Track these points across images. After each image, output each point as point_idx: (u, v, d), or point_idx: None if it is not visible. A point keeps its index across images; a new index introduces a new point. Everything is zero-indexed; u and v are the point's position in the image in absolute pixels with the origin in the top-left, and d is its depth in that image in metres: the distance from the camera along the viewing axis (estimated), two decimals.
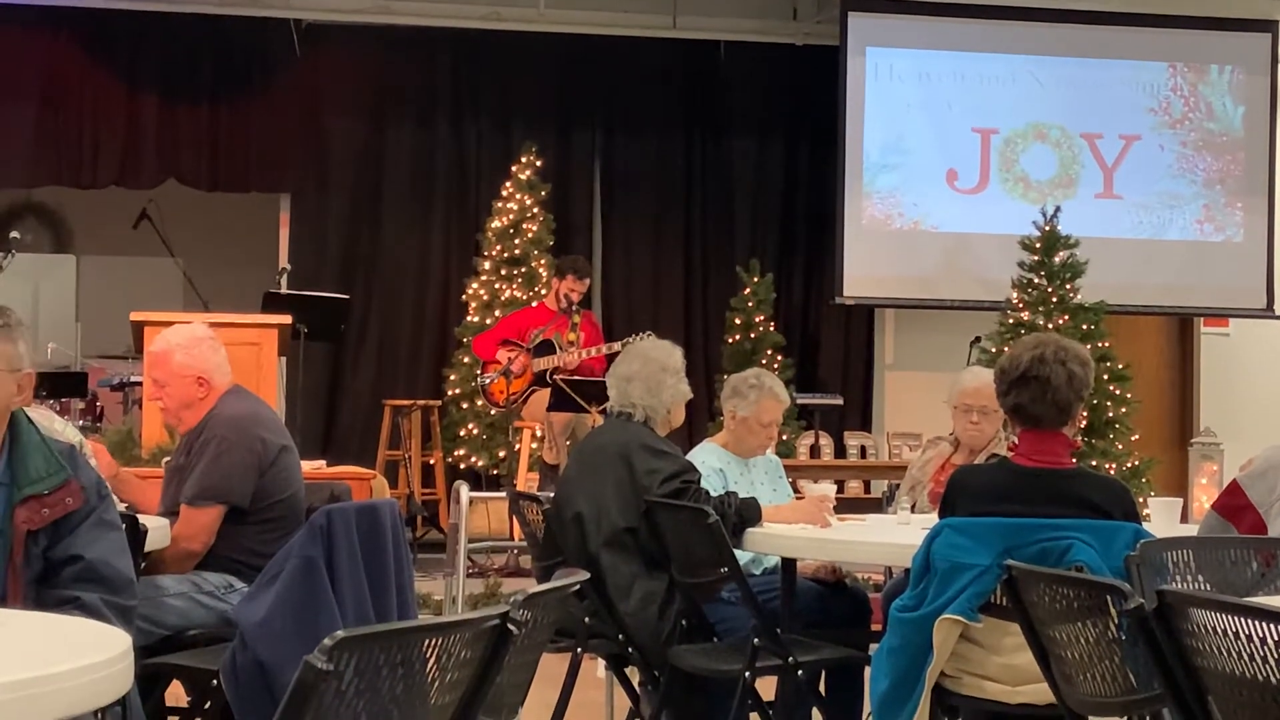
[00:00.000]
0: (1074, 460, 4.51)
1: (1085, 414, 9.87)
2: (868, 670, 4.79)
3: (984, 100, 12.63)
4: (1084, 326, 10.32)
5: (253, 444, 5.00)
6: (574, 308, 10.16)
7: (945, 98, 12.59)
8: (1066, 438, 4.43)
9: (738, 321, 12.12)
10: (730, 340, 12.11)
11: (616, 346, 9.10)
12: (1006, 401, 4.48)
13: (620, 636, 5.27)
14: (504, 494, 8.99)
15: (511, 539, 10.02)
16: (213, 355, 5.16)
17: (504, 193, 12.02)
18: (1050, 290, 10.45)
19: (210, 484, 4.94)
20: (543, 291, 11.03)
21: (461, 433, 11.65)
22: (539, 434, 10.28)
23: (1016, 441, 4.55)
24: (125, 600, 3.47)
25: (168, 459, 5.76)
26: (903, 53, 12.56)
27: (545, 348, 10.05)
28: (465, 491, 7.64)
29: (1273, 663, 2.51)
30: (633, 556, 5.29)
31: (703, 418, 11.28)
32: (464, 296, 11.99)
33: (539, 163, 12.12)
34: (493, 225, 11.97)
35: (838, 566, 5.78)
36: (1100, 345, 10.34)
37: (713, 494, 5.30)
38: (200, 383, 5.11)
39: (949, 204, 12.58)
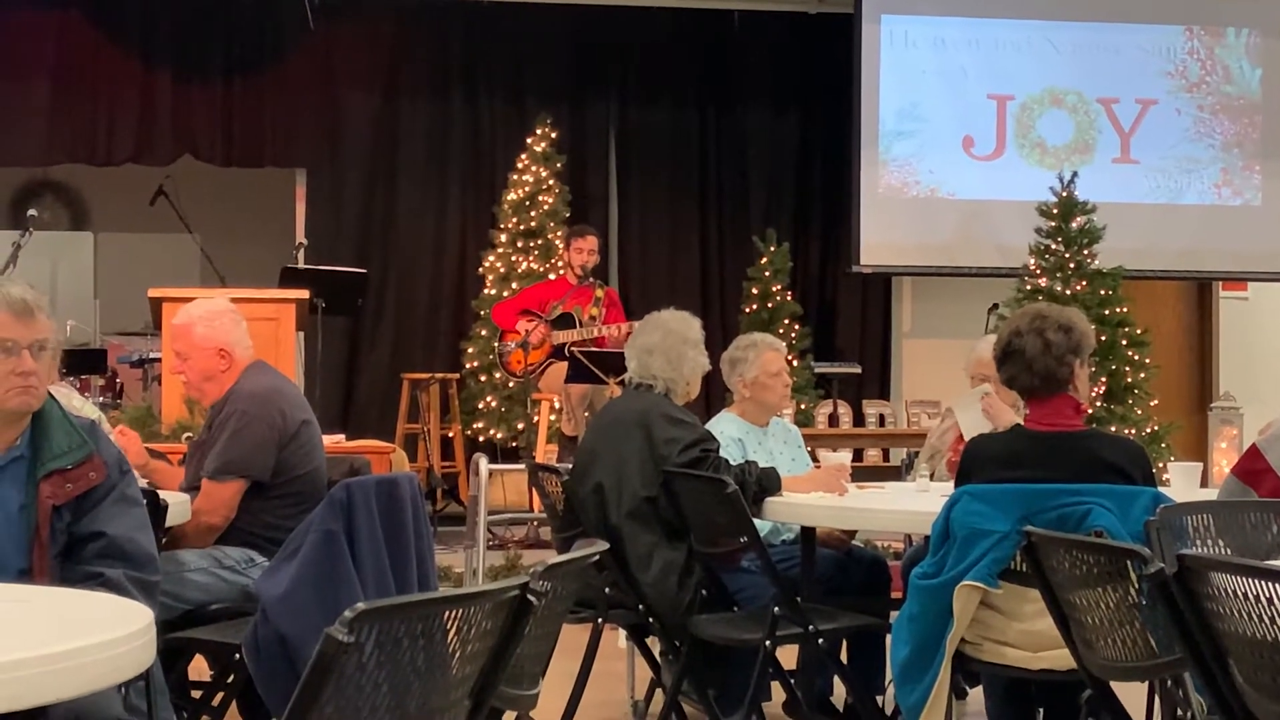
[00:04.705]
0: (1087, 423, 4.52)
1: (1105, 380, 9.89)
2: (888, 638, 4.80)
3: (1000, 66, 12.58)
4: (1102, 292, 10.30)
5: (273, 418, 5.01)
6: (592, 279, 10.16)
7: (960, 64, 12.55)
8: (1072, 400, 4.43)
9: (755, 291, 12.10)
10: (747, 310, 12.09)
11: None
12: (1001, 376, 4.55)
13: (640, 607, 5.28)
14: (523, 466, 9.00)
15: (531, 511, 10.03)
16: (234, 329, 5.18)
17: (519, 165, 12.01)
18: (1068, 256, 10.43)
19: (231, 458, 4.96)
20: (560, 264, 11.03)
21: (480, 405, 11.67)
22: (557, 406, 10.29)
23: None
24: (149, 576, 3.48)
25: (189, 435, 5.79)
26: (917, 19, 12.51)
27: (564, 320, 10.06)
28: (484, 464, 7.66)
29: None
30: (652, 526, 5.29)
31: (720, 389, 11.26)
32: (480, 269, 11.99)
33: (554, 134, 12.10)
34: (508, 197, 11.96)
35: (842, 532, 5.78)
36: (1118, 310, 10.32)
37: (732, 463, 5.30)
38: (221, 355, 5.14)
39: (965, 171, 12.54)
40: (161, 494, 4.56)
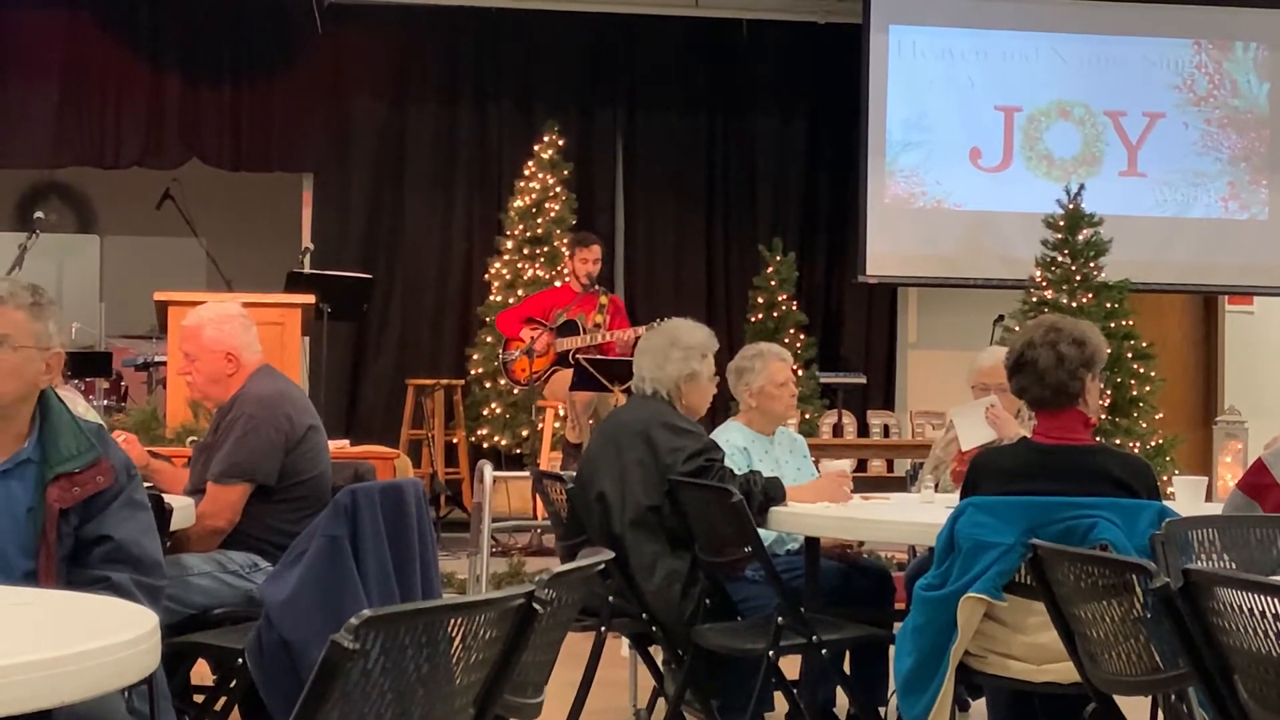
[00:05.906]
0: (1093, 436, 4.51)
1: (1110, 393, 9.88)
2: (892, 649, 4.79)
3: (1007, 78, 12.59)
4: (1107, 305, 10.28)
5: (279, 422, 5.01)
6: (597, 286, 10.17)
7: (968, 75, 12.55)
8: (1082, 414, 4.43)
9: (760, 300, 12.09)
10: (753, 319, 12.09)
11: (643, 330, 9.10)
12: (1012, 387, 4.56)
13: (644, 615, 5.28)
14: (527, 473, 9.00)
15: (535, 518, 10.02)
16: (243, 333, 5.18)
17: (526, 172, 12.02)
18: (1074, 268, 10.41)
19: (236, 462, 4.96)
20: (565, 271, 11.04)
21: (484, 412, 11.67)
22: (562, 413, 10.29)
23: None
24: (154, 580, 3.48)
25: (194, 438, 5.79)
26: (925, 30, 12.52)
27: (568, 328, 10.06)
28: (489, 471, 7.65)
29: None
30: (656, 535, 5.29)
31: (725, 397, 11.25)
32: (486, 276, 12.00)
33: (561, 142, 12.12)
34: (515, 204, 11.97)
35: (848, 543, 5.78)
36: (1124, 324, 10.30)
37: (736, 473, 5.30)
38: (229, 359, 5.13)
39: (972, 182, 12.54)
40: (166, 498, 4.56)
